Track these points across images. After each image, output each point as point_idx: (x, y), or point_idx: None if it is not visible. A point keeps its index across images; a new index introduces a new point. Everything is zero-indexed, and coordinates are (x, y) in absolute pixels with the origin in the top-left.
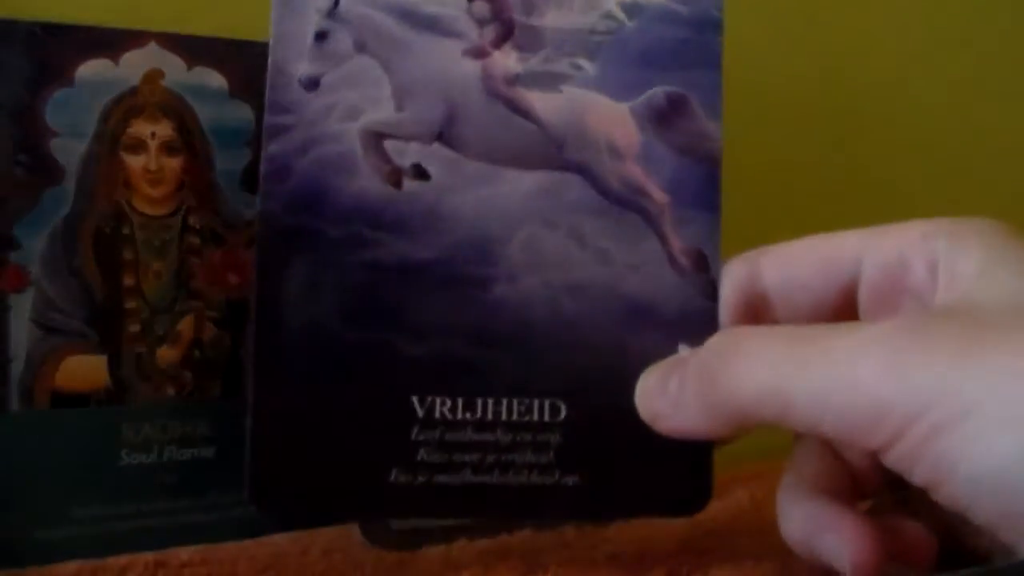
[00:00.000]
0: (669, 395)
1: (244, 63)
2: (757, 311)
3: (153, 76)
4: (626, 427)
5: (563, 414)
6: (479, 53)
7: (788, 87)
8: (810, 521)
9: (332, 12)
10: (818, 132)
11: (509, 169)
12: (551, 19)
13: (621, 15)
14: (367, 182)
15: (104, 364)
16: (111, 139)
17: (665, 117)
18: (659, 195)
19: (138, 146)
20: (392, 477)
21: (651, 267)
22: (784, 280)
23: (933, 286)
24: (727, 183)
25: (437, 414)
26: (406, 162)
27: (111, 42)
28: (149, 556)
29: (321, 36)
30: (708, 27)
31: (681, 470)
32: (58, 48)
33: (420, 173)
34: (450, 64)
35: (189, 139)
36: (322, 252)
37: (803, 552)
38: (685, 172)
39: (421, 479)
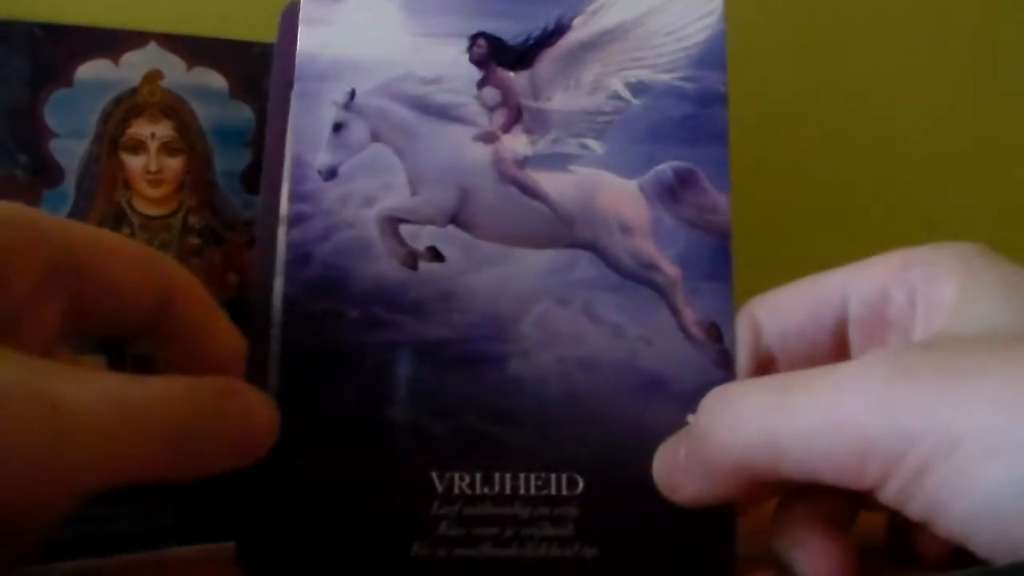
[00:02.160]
0: (679, 465)
1: (244, 63)
2: (765, 366)
3: (153, 76)
4: (644, 499)
5: (580, 487)
6: (489, 138)
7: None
8: (789, 537)
9: (348, 104)
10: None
11: (522, 249)
12: (558, 102)
13: (627, 94)
14: (384, 265)
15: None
16: (111, 140)
17: (674, 192)
18: (670, 269)
19: (138, 147)
20: (413, 551)
21: (665, 340)
22: (780, 330)
23: (914, 317)
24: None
25: (456, 489)
26: (421, 245)
27: (111, 42)
28: (149, 556)
29: (338, 127)
30: (713, 102)
31: (701, 541)
32: (58, 48)
33: (435, 255)
34: (462, 149)
35: (189, 139)
36: (342, 334)
37: (784, 565)
38: (695, 245)
39: (441, 553)
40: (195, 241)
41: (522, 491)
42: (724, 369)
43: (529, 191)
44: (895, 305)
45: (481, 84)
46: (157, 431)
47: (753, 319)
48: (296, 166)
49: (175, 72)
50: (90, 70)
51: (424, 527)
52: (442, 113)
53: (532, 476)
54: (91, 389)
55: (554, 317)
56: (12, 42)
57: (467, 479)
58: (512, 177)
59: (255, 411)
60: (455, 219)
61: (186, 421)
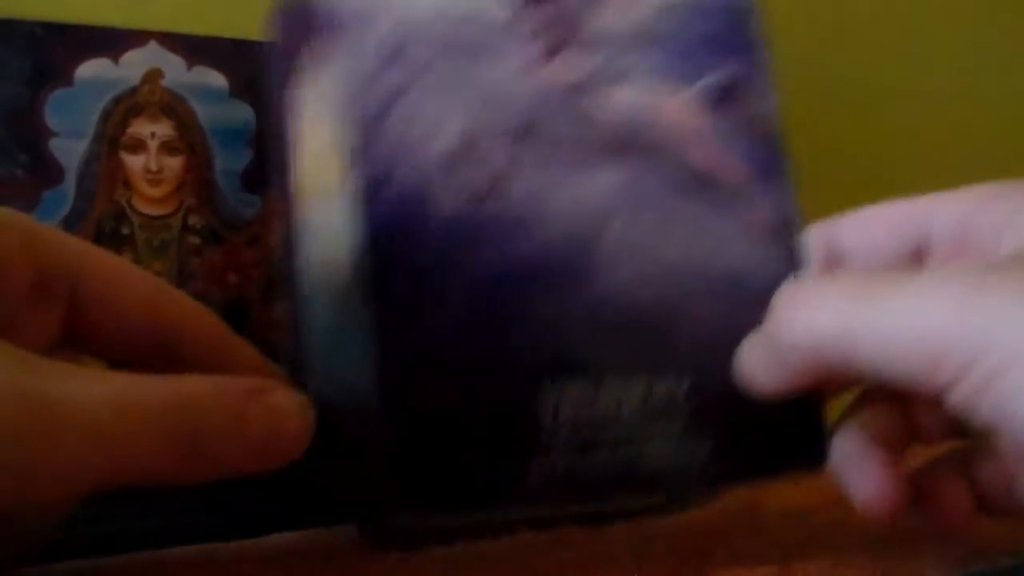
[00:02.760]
0: (756, 358)
1: (244, 63)
2: (835, 272)
3: (153, 76)
4: (739, 394)
5: (685, 387)
6: (540, 62)
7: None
8: (845, 455)
9: (388, 49)
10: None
11: (592, 166)
12: (605, 22)
13: (668, 11)
14: (453, 200)
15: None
16: (111, 139)
17: (724, 99)
18: (733, 173)
19: (138, 146)
20: (532, 469)
21: (736, 241)
22: (860, 243)
23: (998, 245)
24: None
25: (567, 404)
26: (487, 175)
27: (111, 42)
28: (149, 556)
29: (382, 73)
30: (746, 12)
31: (795, 430)
32: (58, 48)
33: (503, 184)
34: (514, 77)
35: (189, 139)
36: (428, 269)
37: (838, 483)
38: (752, 149)
39: (560, 467)
40: (195, 241)
41: (629, 397)
42: (793, 265)
43: (588, 111)
44: (980, 232)
45: (526, 10)
46: (161, 430)
47: (832, 228)
48: (346, 114)
49: (175, 71)
50: (90, 69)
51: (540, 444)
52: (488, 42)
53: (637, 382)
54: (90, 387)
55: (632, 228)
56: (12, 41)
57: (576, 393)
58: (569, 99)
59: (283, 413)
60: (518, 145)
61: (194, 420)
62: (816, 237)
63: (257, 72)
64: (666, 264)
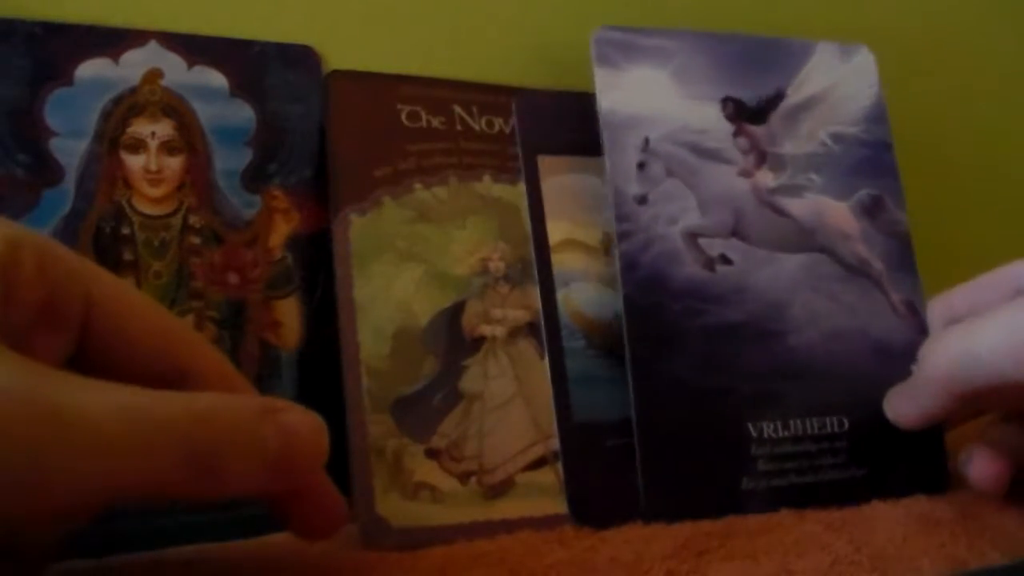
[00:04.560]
0: (902, 395)
1: (244, 62)
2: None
3: (153, 75)
4: (886, 430)
5: (847, 425)
6: (747, 174)
7: None
8: (965, 458)
9: (645, 148)
10: None
11: (781, 253)
12: (788, 148)
13: (830, 142)
14: (691, 268)
15: None
16: (111, 139)
17: (870, 210)
18: (878, 264)
19: (138, 146)
20: (743, 484)
21: (881, 315)
22: (969, 303)
23: None
24: None
25: (766, 434)
26: (715, 252)
27: (111, 41)
28: (149, 556)
29: (641, 165)
30: (886, 148)
31: (926, 459)
32: (58, 47)
33: (725, 260)
34: (731, 182)
35: (189, 138)
36: (670, 321)
37: (963, 474)
38: (890, 247)
39: (763, 485)
40: (195, 241)
41: (809, 431)
42: (923, 333)
43: (780, 212)
44: None
45: (735, 135)
46: (174, 445)
47: (947, 297)
48: (616, 195)
49: (175, 71)
50: (90, 69)
51: (748, 465)
52: (713, 155)
53: (814, 420)
54: (100, 400)
55: (811, 302)
56: (12, 41)
57: (771, 426)
58: (767, 202)
59: (297, 432)
60: (735, 232)
61: (208, 436)
62: (936, 304)
63: (257, 71)
64: (833, 331)
